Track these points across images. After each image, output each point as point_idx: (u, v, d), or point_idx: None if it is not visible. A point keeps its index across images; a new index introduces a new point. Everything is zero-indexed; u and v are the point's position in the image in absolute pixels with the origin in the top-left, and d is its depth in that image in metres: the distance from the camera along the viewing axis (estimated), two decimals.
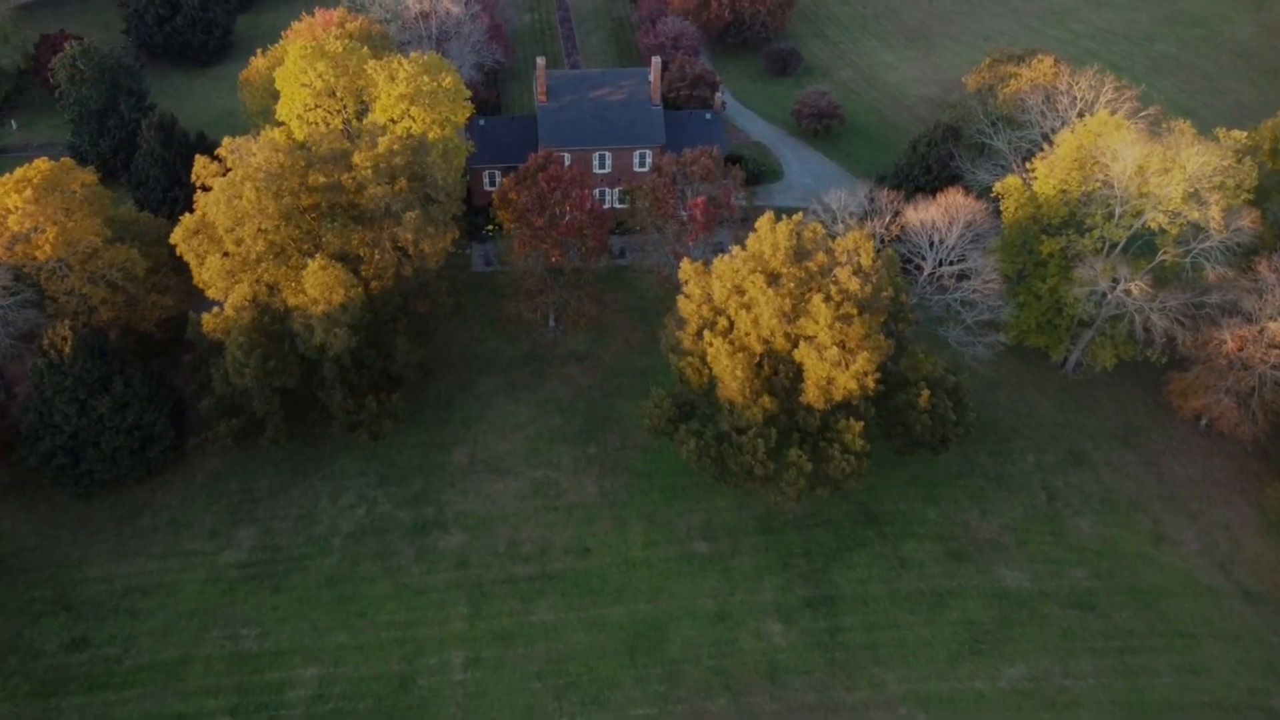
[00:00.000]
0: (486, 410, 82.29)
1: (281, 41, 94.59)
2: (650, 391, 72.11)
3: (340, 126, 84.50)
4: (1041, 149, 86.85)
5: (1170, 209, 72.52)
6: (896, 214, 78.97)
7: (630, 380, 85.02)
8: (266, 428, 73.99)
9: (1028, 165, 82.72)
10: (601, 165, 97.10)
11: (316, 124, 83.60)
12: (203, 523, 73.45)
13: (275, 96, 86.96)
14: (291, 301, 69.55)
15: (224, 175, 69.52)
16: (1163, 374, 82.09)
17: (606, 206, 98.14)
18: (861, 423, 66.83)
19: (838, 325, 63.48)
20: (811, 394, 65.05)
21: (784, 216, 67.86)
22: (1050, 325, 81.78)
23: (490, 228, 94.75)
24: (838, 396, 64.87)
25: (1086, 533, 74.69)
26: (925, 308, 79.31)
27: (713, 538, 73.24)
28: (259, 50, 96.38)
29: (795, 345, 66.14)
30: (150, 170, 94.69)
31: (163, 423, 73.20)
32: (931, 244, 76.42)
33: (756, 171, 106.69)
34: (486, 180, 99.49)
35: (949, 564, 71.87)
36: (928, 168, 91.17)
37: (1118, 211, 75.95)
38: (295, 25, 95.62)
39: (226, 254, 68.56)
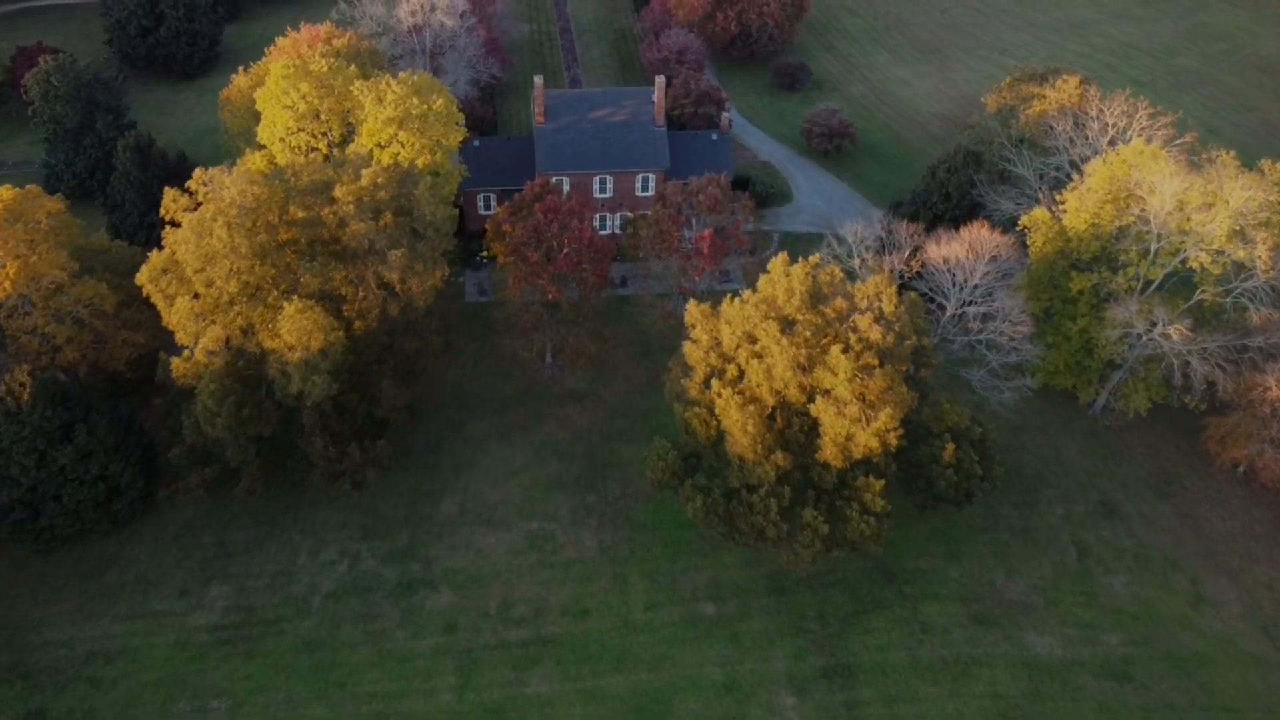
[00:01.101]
0: (478, 455, 77.25)
1: (264, 59, 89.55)
2: (653, 442, 67.01)
3: (325, 151, 79.63)
4: (1069, 177, 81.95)
5: (1213, 247, 67.49)
6: (917, 249, 73.89)
7: (632, 422, 80.00)
8: (242, 478, 68.90)
9: (1055, 196, 77.65)
10: (602, 190, 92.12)
11: (299, 148, 78.74)
12: (173, 580, 68.43)
13: (257, 117, 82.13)
14: (268, 344, 64.54)
15: (195, 209, 64.46)
16: (1199, 418, 77.05)
17: (606, 232, 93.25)
18: (882, 481, 61.81)
19: (858, 378, 58.48)
20: (829, 451, 60.01)
21: (799, 259, 62.88)
22: (1079, 366, 76.68)
23: (484, 255, 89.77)
24: (857, 454, 59.87)
25: (1120, 593, 69.65)
26: (947, 349, 74.24)
27: (720, 598, 68.22)
28: (240, 68, 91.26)
29: (811, 398, 61.15)
30: (126, 194, 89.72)
31: (130, 473, 68.22)
32: (955, 282, 71.32)
33: (764, 193, 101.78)
34: (481, 204, 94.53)
35: (974, 629, 66.82)
36: (947, 195, 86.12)
37: (1153, 248, 70.95)
38: (279, 41, 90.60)
39: (197, 295, 63.47)
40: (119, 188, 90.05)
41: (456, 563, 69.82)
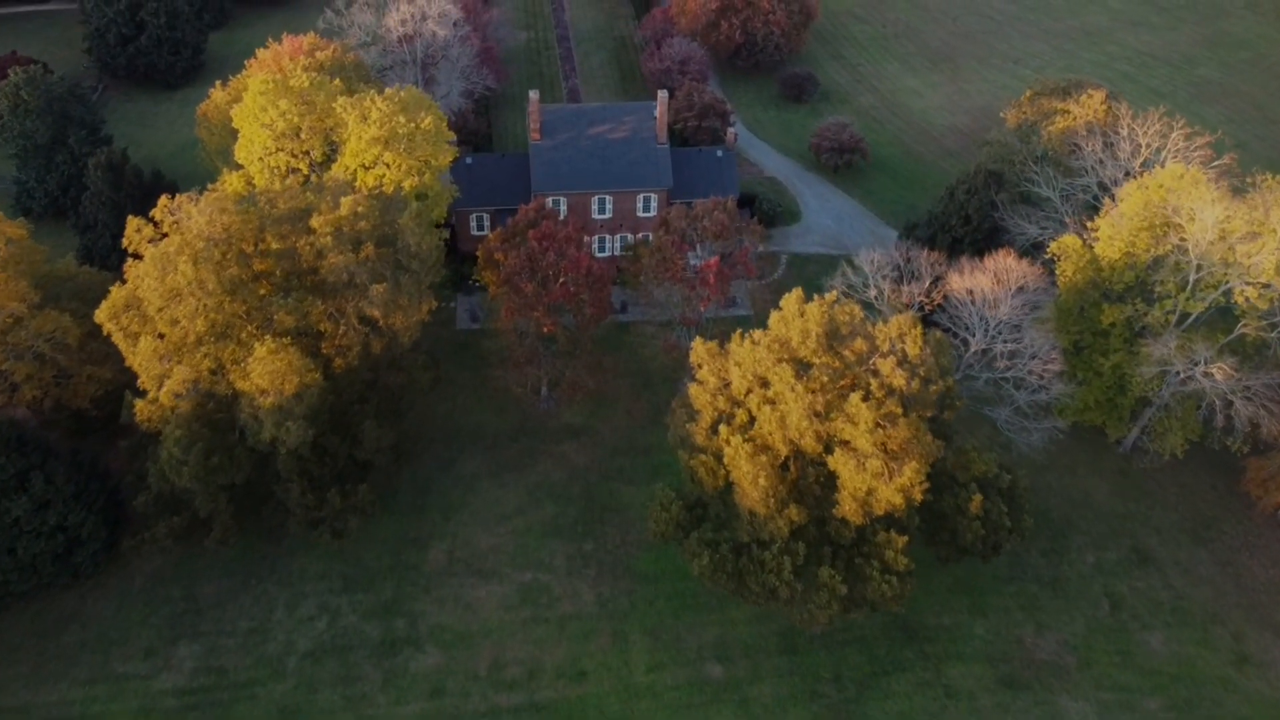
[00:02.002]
0: (469, 497, 72.32)
1: (243, 73, 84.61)
2: (656, 490, 62.11)
3: (306, 172, 74.68)
4: (1098, 200, 77.09)
5: (1261, 280, 62.62)
6: (938, 279, 68.99)
7: (632, 461, 75.10)
8: (213, 527, 63.96)
9: (1086, 223, 72.74)
10: (601, 210, 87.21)
11: (279, 169, 73.78)
12: (138, 638, 63.44)
13: (236, 134, 77.06)
14: (239, 386, 59.55)
15: (161, 240, 59.52)
16: (1237, 458, 72.16)
17: (606, 254, 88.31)
18: (905, 537, 56.87)
19: (880, 428, 53.54)
20: (848, 507, 55.04)
21: (812, 291, 57.94)
22: (1110, 403, 71.76)
23: (475, 280, 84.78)
24: (879, 511, 54.92)
25: (1158, 651, 64.75)
26: (970, 385, 69.31)
27: (728, 658, 63.31)
28: (217, 83, 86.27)
29: (828, 448, 56.19)
30: (98, 214, 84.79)
31: (92, 522, 63.27)
32: (980, 316, 66.39)
33: (771, 212, 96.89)
34: (474, 224, 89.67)
35: (1002, 693, 61.90)
36: (967, 218, 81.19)
37: (1192, 279, 66.08)
38: (259, 53, 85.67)
39: (162, 335, 58.49)
40: (90, 208, 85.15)
41: (444, 618, 64.87)
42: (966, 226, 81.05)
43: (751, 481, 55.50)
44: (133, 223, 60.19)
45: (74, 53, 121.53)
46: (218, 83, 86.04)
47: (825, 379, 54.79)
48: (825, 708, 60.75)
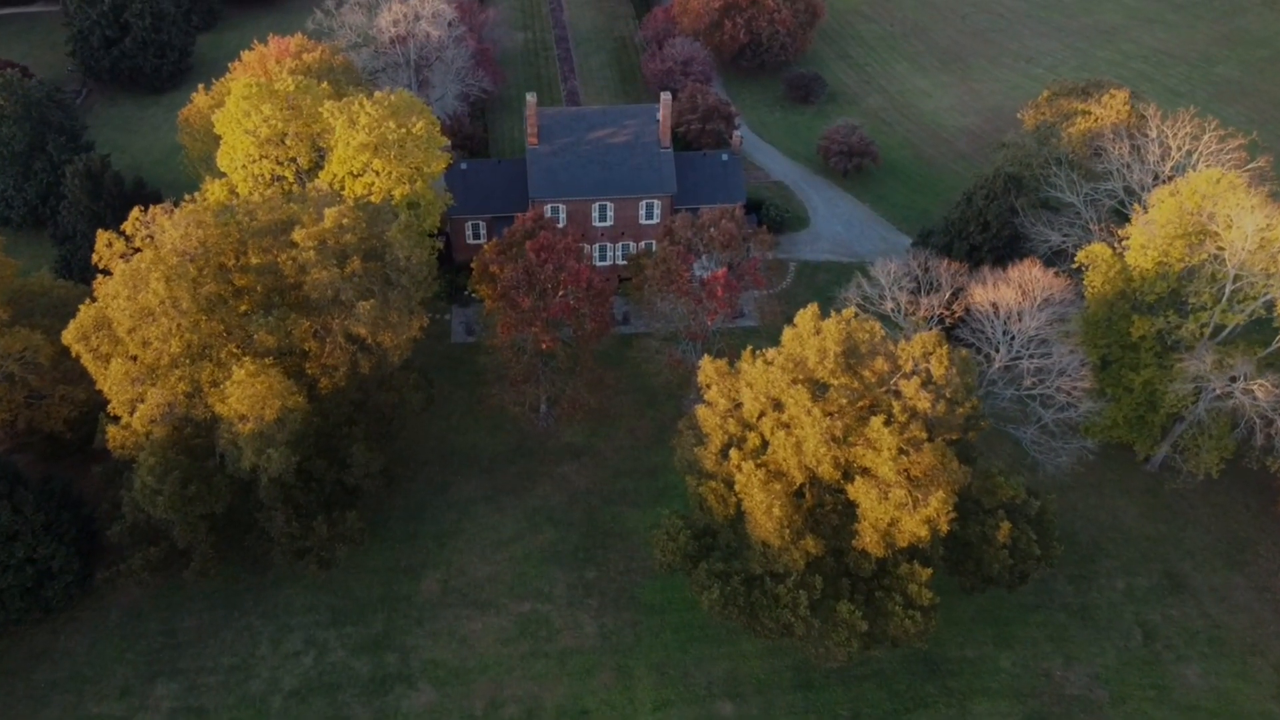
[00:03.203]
0: (464, 522, 68.62)
1: (226, 76, 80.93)
2: (662, 518, 58.37)
3: (292, 180, 71.01)
4: (1124, 205, 73.40)
5: None
6: (959, 291, 65.28)
7: (636, 482, 71.41)
8: (192, 558, 60.27)
9: (1112, 228, 69.04)
10: (602, 218, 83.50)
11: (263, 177, 70.15)
12: (113, 676, 59.69)
13: (219, 141, 73.40)
14: (218, 409, 55.88)
15: (134, 255, 55.83)
16: (1273, 476, 68.47)
17: (607, 264, 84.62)
18: (929, 570, 53.19)
19: (903, 455, 49.86)
20: (869, 539, 51.35)
21: (826, 306, 54.28)
22: (1140, 421, 68.05)
23: (471, 292, 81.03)
24: (901, 543, 51.23)
25: (1195, 685, 61.02)
26: (993, 403, 65.59)
27: (739, 695, 59.57)
28: (200, 86, 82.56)
29: (847, 474, 52.50)
30: (76, 225, 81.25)
31: (64, 554, 59.59)
32: (1005, 331, 62.69)
33: (779, 218, 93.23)
34: (469, 233, 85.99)
35: None
36: (985, 224, 77.44)
37: (1228, 290, 62.41)
38: (244, 56, 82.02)
39: (135, 357, 54.80)
40: (68, 218, 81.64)
41: (438, 653, 61.15)
42: (985, 234, 77.32)
43: (765, 511, 51.83)
44: (103, 237, 56.52)
45: (57, 56, 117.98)
46: (200, 86, 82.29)
47: (844, 401, 51.14)
48: None
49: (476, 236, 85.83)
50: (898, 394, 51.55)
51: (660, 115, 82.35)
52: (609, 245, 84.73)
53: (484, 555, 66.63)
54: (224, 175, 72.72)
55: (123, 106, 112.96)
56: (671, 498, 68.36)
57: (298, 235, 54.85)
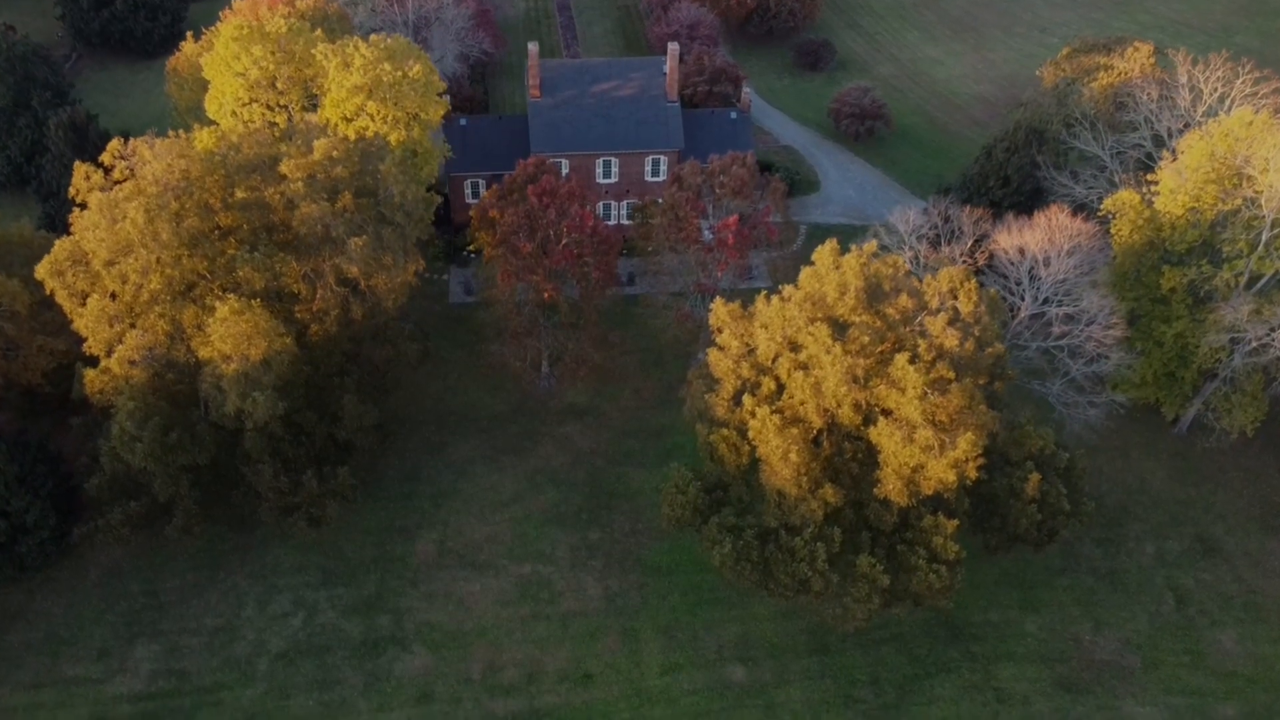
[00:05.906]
0: (461, 482, 65.51)
1: (218, 23, 77.88)
2: (670, 470, 55.17)
3: (284, 126, 67.93)
4: (1151, 156, 70.36)
5: None
6: (982, 238, 62.20)
7: (642, 443, 68.31)
8: (175, 514, 57.17)
9: (1141, 176, 65.98)
10: (606, 174, 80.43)
11: (253, 121, 67.09)
12: (91, 638, 56.65)
13: (208, 88, 70.40)
14: (202, 354, 52.81)
15: (113, 189, 52.75)
16: None
17: (612, 224, 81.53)
18: (955, 521, 50.08)
19: (929, 395, 46.76)
20: (891, 485, 48.28)
21: (851, 248, 51.22)
22: (1170, 377, 64.99)
23: (471, 249, 78.07)
24: (927, 490, 48.14)
25: (1231, 650, 57.96)
26: (1018, 355, 62.48)
27: (751, 659, 56.49)
28: (189, 34, 79.51)
29: (868, 418, 49.41)
30: (60, 179, 77.78)
31: (39, 508, 56.51)
32: (1033, 277, 59.61)
33: (789, 181, 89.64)
34: (469, 191, 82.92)
35: (1060, 697, 55.10)
36: (1006, 179, 74.41)
37: (1265, 237, 59.34)
38: (235, 3, 78.93)
39: (114, 295, 51.71)
40: (52, 172, 78.58)
41: (433, 616, 58.06)
42: (1005, 188, 74.29)
43: (781, 457, 48.73)
44: (80, 169, 53.49)
45: (47, 21, 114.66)
46: (189, 34, 79.21)
47: (866, 340, 48.06)
48: (862, 714, 53.97)
49: (475, 195, 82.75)
50: (924, 332, 48.47)
51: (667, 68, 79.35)
52: (613, 203, 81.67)
53: (482, 516, 63.55)
54: (213, 124, 69.71)
55: (113, 70, 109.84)
56: (678, 458, 64.22)
57: (286, 167, 51.80)
